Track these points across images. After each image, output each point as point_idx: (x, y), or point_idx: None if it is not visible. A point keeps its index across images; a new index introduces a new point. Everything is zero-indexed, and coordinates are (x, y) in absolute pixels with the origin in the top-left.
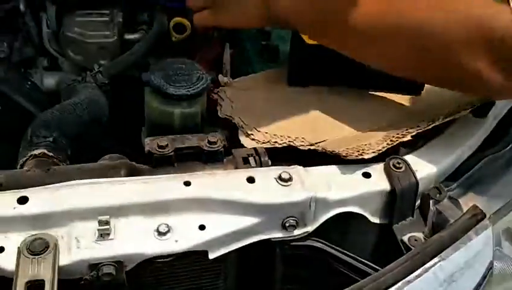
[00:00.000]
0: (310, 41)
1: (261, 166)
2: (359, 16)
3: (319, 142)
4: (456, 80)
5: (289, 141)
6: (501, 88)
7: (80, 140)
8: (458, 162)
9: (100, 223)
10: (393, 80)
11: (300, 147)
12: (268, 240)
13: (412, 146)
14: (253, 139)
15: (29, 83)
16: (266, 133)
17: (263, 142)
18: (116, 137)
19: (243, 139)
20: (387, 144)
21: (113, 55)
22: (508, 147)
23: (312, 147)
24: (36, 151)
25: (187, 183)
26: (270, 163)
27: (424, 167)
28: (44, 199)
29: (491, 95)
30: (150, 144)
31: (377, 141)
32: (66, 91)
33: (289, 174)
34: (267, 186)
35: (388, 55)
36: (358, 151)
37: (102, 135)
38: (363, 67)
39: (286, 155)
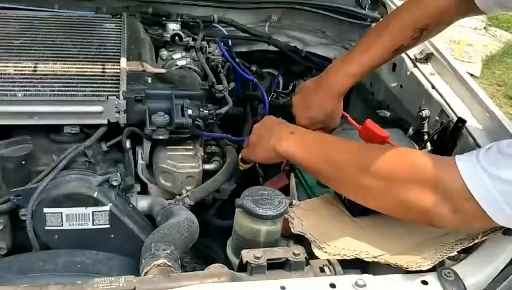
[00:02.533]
0: None
1: (336, 274)
2: (338, 171)
3: (381, 255)
4: (414, 214)
5: (356, 254)
6: (448, 221)
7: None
8: (495, 273)
9: None
10: None
11: (366, 259)
12: None
13: (455, 258)
14: (325, 252)
15: (130, 206)
16: (335, 246)
17: (334, 255)
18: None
19: (316, 251)
20: (438, 258)
21: (197, 182)
22: None
23: (376, 259)
24: (158, 261)
25: (283, 288)
26: (342, 272)
27: (468, 277)
28: None
29: (443, 226)
30: (247, 255)
31: (429, 254)
32: (163, 212)
33: (363, 281)
34: None
35: (363, 201)
36: (416, 263)
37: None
38: None
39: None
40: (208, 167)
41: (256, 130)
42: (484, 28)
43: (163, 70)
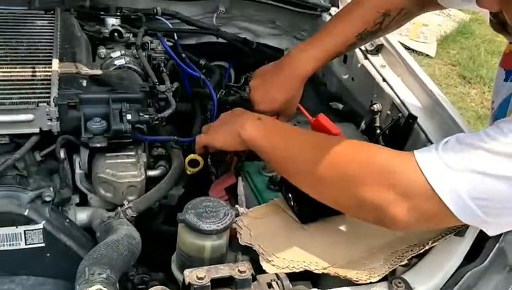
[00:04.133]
0: None
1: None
2: (299, 163)
3: (330, 266)
4: (367, 212)
5: (305, 266)
6: (403, 221)
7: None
8: (447, 276)
9: None
10: None
11: (315, 271)
12: None
13: (406, 265)
14: (273, 265)
15: (67, 220)
16: (284, 259)
17: (282, 268)
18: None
19: (264, 265)
20: (388, 268)
21: (140, 191)
22: (486, 261)
23: (325, 271)
24: (93, 288)
25: None
26: (291, 287)
27: (419, 284)
28: None
29: (397, 227)
30: (190, 275)
31: (379, 264)
32: (103, 227)
33: None
34: None
35: (319, 195)
36: (366, 276)
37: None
38: None
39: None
40: (152, 173)
41: (222, 117)
42: None
43: (99, 72)
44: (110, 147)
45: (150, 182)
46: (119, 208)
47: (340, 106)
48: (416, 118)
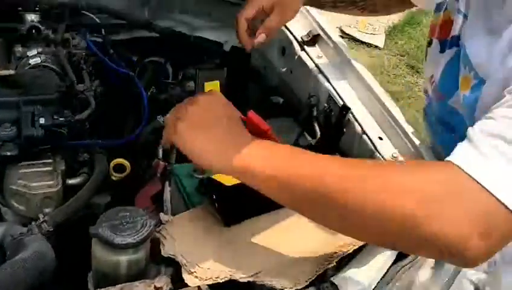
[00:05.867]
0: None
1: None
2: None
3: (258, 273)
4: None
5: (230, 275)
6: (480, 252)
7: None
8: (379, 275)
9: None
10: None
11: (241, 280)
12: None
13: (337, 266)
14: (195, 277)
15: None
16: (208, 269)
17: (206, 279)
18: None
19: (186, 277)
20: (316, 271)
21: (57, 203)
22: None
23: (251, 279)
24: None
25: None
26: None
27: (348, 287)
28: None
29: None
30: None
31: (309, 268)
32: (13, 244)
33: None
34: None
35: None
36: (291, 283)
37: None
38: None
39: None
40: (72, 181)
41: (197, 108)
42: None
43: (10, 72)
44: (25, 154)
45: (72, 191)
46: (33, 222)
47: (281, 100)
48: (349, 108)
